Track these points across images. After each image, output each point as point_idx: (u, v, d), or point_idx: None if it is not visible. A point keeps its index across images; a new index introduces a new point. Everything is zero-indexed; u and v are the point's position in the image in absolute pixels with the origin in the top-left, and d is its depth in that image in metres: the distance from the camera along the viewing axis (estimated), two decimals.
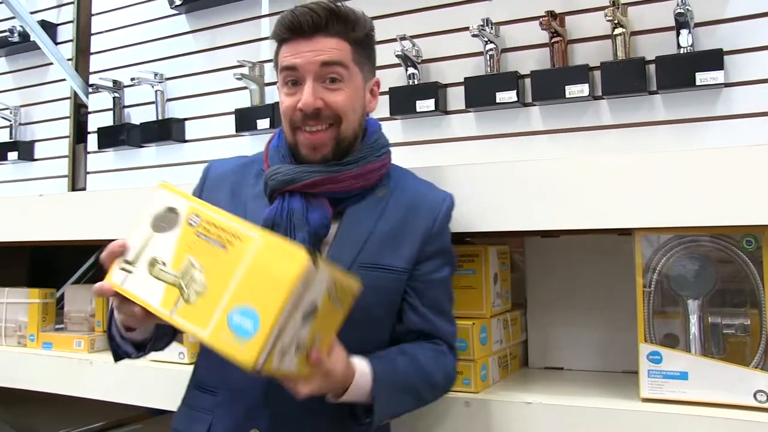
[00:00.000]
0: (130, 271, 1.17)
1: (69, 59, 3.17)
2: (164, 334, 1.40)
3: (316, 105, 1.34)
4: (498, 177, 1.56)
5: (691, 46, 1.81)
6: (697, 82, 1.77)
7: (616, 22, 1.87)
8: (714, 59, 1.77)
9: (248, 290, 1.06)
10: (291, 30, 1.36)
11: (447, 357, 1.45)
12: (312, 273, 1.06)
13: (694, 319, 1.44)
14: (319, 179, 1.35)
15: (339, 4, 1.38)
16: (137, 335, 1.33)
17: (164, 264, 1.14)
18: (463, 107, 2.14)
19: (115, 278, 1.18)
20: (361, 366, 1.29)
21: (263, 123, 2.48)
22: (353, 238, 1.38)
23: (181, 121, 2.77)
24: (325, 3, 1.37)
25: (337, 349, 1.24)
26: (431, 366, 1.41)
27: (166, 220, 1.17)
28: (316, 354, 1.15)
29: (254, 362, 1.03)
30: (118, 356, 1.41)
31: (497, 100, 2.05)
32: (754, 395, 1.36)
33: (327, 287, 1.13)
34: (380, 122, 1.53)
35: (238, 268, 1.08)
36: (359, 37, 1.39)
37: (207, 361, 1.45)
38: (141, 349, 1.38)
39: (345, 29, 1.37)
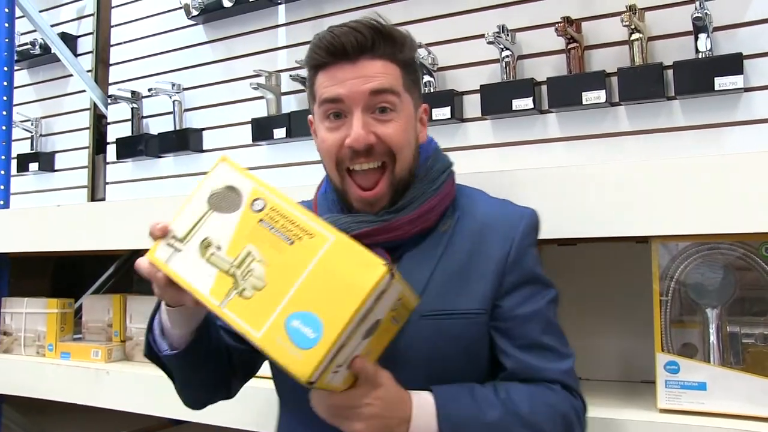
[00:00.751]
0: (178, 249, 1.03)
1: (89, 71, 3.21)
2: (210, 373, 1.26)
3: (369, 140, 1.16)
4: (511, 184, 1.54)
5: (710, 50, 1.78)
6: (716, 87, 1.75)
7: (633, 27, 1.85)
8: (733, 64, 1.74)
9: (314, 294, 0.95)
10: (332, 53, 1.17)
11: (558, 394, 1.18)
12: (386, 287, 0.96)
13: (712, 329, 1.41)
14: (371, 230, 1.18)
15: (381, 21, 1.19)
16: (178, 329, 1.18)
17: (219, 248, 1.00)
18: (479, 115, 2.13)
19: (159, 254, 1.04)
20: (421, 395, 1.11)
21: (280, 132, 2.49)
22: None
23: (198, 131, 2.78)
24: (367, 21, 1.18)
25: (383, 371, 1.08)
26: (526, 399, 1.14)
27: (225, 200, 1.04)
28: (360, 361, 1.02)
29: (310, 375, 0.92)
30: (150, 349, 1.24)
31: (513, 108, 2.04)
32: None
33: (393, 305, 1.02)
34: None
35: (305, 267, 0.96)
36: (408, 58, 1.22)
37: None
38: (178, 350, 1.20)
39: (393, 50, 1.19)
